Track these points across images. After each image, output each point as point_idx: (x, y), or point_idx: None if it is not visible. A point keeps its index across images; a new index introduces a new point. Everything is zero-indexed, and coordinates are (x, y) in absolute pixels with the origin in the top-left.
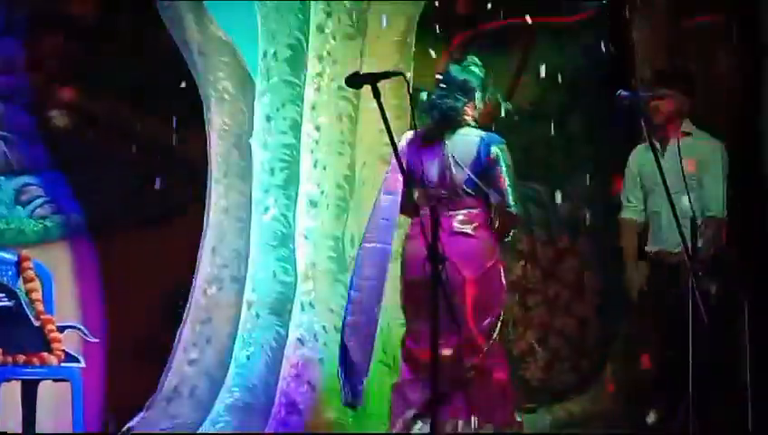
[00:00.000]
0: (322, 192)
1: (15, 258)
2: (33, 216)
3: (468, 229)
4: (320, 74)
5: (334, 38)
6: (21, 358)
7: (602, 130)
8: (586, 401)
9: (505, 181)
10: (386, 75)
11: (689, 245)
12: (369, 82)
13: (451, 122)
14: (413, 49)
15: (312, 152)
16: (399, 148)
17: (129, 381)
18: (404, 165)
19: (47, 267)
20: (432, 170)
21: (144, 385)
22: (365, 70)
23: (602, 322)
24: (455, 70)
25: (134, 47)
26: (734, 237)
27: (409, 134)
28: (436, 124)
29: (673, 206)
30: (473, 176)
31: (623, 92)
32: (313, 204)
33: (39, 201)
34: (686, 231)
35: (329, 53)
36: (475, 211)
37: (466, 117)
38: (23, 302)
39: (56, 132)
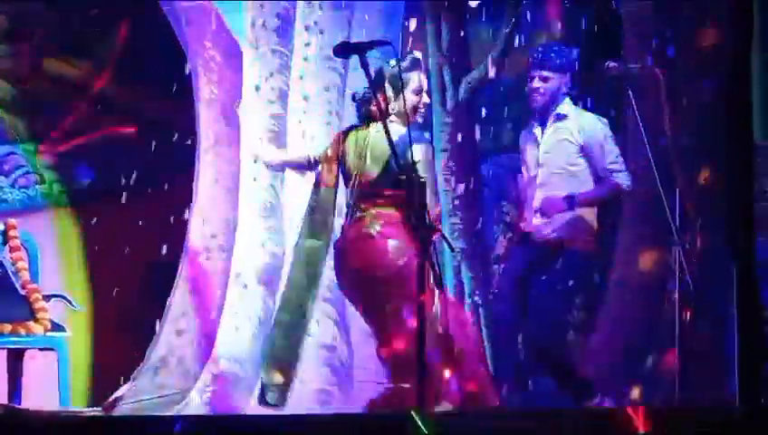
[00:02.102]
0: None
1: (2, 227)
2: (15, 185)
3: (372, 231)
4: (307, 44)
5: (321, 8)
6: (7, 327)
7: (590, 101)
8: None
9: (423, 182)
10: (373, 45)
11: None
12: (357, 51)
13: (364, 115)
14: (401, 19)
15: (299, 122)
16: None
17: (115, 351)
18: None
19: (33, 237)
20: (352, 159)
21: (131, 355)
22: (353, 40)
23: (591, 292)
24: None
25: (120, 16)
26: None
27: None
28: (358, 119)
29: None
30: (390, 169)
31: (611, 63)
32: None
33: (22, 171)
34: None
35: (316, 23)
36: (384, 210)
37: (372, 108)
38: (8, 271)
39: (39, 102)
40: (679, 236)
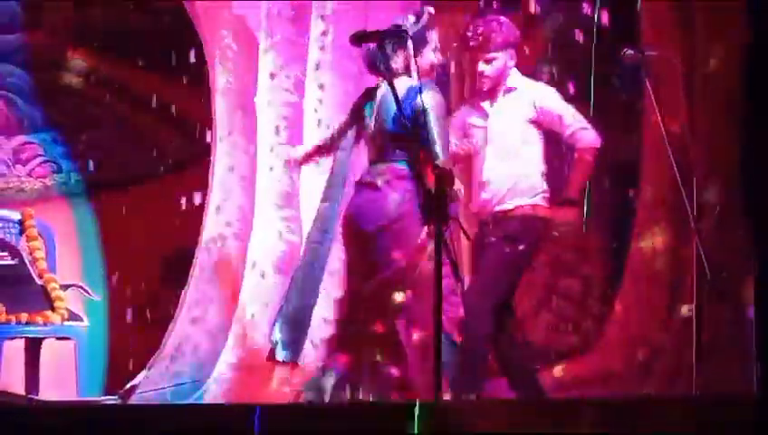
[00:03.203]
0: None
1: (19, 217)
2: (32, 174)
3: (378, 181)
4: (324, 33)
5: None
6: (24, 316)
7: (604, 88)
8: (587, 362)
9: (433, 131)
10: (389, 33)
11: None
12: (374, 40)
13: (382, 72)
14: (418, 7)
15: (316, 111)
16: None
17: (131, 340)
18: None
19: (49, 227)
20: (365, 123)
21: (147, 344)
22: (369, 29)
23: (605, 282)
24: (395, 19)
25: (135, 4)
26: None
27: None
28: (370, 71)
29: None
30: (396, 122)
31: (628, 51)
32: (318, 163)
33: (38, 160)
34: None
35: (333, 12)
36: (394, 165)
37: (393, 65)
38: (26, 260)
39: (56, 91)
40: (696, 224)
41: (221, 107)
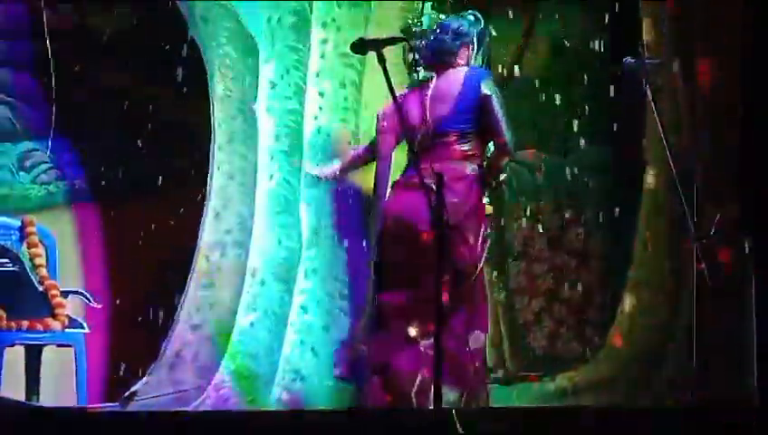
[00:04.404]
0: None
1: (19, 223)
2: (36, 181)
3: (431, 183)
4: (324, 41)
5: (339, 6)
6: (25, 323)
7: (608, 97)
8: (589, 370)
9: (499, 115)
10: (391, 41)
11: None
12: (374, 48)
13: (442, 63)
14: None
15: (316, 119)
16: (382, 111)
17: (132, 347)
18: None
19: (50, 233)
20: (413, 113)
21: (147, 351)
22: (370, 36)
23: (607, 290)
24: (450, 18)
25: (137, 13)
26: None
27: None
28: (426, 65)
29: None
30: (458, 109)
31: (629, 60)
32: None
33: (43, 167)
34: None
35: (333, 20)
36: (452, 164)
37: (460, 60)
38: (27, 267)
39: (61, 98)
40: (696, 231)
41: (220, 114)
